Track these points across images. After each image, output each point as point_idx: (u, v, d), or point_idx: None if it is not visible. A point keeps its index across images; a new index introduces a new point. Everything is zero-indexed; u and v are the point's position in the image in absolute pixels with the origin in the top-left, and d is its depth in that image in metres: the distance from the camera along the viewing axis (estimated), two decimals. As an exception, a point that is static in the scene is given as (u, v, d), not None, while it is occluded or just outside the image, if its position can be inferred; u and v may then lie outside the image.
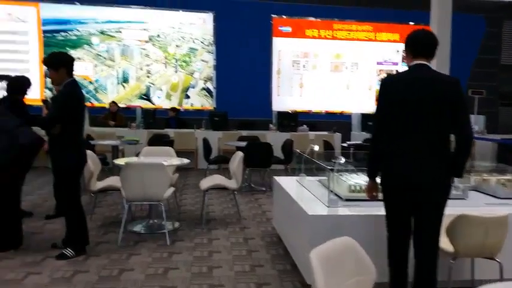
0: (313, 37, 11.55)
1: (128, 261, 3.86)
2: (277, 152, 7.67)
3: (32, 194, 6.30)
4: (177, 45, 11.16)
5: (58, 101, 3.88)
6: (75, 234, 3.93)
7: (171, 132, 9.14)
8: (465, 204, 3.58)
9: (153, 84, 11.15)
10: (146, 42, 11.06)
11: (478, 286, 1.71)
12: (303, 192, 4.06)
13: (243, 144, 7.17)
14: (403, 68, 11.82)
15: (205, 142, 7.64)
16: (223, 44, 11.19)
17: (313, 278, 1.63)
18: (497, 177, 4.15)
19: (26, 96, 4.96)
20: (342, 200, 3.56)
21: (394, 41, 11.95)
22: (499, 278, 2.90)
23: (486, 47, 12.90)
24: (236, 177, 5.05)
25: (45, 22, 10.65)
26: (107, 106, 10.06)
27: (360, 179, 3.93)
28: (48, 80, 9.37)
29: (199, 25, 11.20)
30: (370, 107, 11.70)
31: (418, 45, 2.70)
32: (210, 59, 11.30)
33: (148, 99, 11.14)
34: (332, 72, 11.71)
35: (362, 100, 11.82)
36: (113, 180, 4.98)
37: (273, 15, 11.31)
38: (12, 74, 9.89)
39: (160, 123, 9.59)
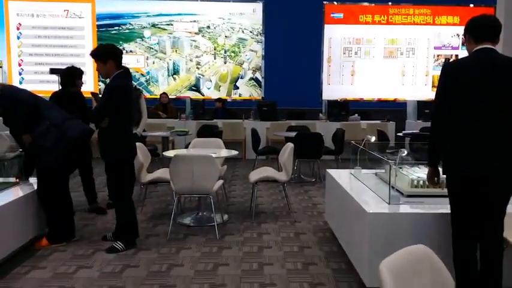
0: (367, 23, 11.04)
1: (177, 256, 3.79)
2: (328, 143, 7.40)
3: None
4: (226, 36, 11.07)
5: (105, 93, 3.85)
6: (125, 227, 3.91)
7: (219, 122, 9.09)
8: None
9: (202, 75, 11.15)
10: (196, 34, 11.05)
11: None
12: (358, 186, 3.81)
13: (293, 134, 6.95)
14: (463, 52, 11.09)
15: (254, 132, 7.49)
16: (272, 33, 10.96)
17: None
18: None
19: (80, 87, 4.99)
20: (402, 195, 3.28)
21: (454, 25, 11.19)
22: None
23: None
24: (286, 169, 4.86)
25: (100, 17, 10.90)
26: (158, 97, 10.17)
27: (422, 172, 3.62)
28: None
29: (249, 15, 11.04)
30: (427, 94, 11.11)
31: (482, 29, 2.54)
32: (259, 48, 11.12)
33: (198, 90, 11.16)
34: (386, 58, 11.17)
35: (418, 87, 11.21)
36: (162, 172, 4.95)
37: (324, 2, 10.92)
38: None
39: (209, 114, 9.57)
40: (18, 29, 10.71)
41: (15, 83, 10.58)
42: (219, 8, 11.02)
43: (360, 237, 3.17)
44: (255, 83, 11.22)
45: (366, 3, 11.07)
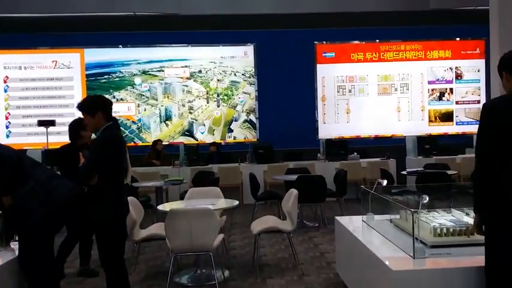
0: (359, 60, 11.01)
1: (175, 324, 3.38)
2: (329, 183, 7.05)
3: None
4: (218, 80, 10.96)
5: (94, 148, 3.53)
6: (117, 293, 3.50)
7: (215, 167, 8.78)
8: None
9: (195, 120, 10.93)
10: (188, 78, 10.93)
11: None
12: (374, 236, 3.47)
13: (293, 178, 6.64)
14: (457, 85, 11.06)
15: (252, 178, 7.18)
16: (265, 75, 10.89)
17: None
18: None
19: (86, 139, 4.68)
20: (426, 246, 2.94)
21: (446, 58, 11.20)
22: None
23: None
24: (291, 218, 4.51)
25: (89, 66, 10.77)
26: (151, 145, 9.89)
27: (442, 218, 3.31)
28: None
29: (240, 58, 10.98)
30: (425, 129, 10.96)
31: None
32: (252, 90, 10.99)
33: (192, 135, 10.91)
34: (380, 95, 11.06)
35: (414, 122, 11.07)
36: (157, 228, 4.58)
37: (315, 42, 10.93)
38: (57, 120, 10.15)
39: (204, 159, 9.27)
40: (5, 82, 10.50)
41: (2, 136, 10.27)
42: (210, 52, 10.96)
43: (383, 297, 2.80)
44: (249, 125, 11.01)
45: (356, 42, 11.08)
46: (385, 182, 3.85)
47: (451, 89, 11.17)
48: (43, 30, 10.40)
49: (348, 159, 9.06)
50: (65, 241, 4.55)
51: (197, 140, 10.82)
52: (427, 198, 2.96)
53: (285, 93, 10.77)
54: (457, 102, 11.11)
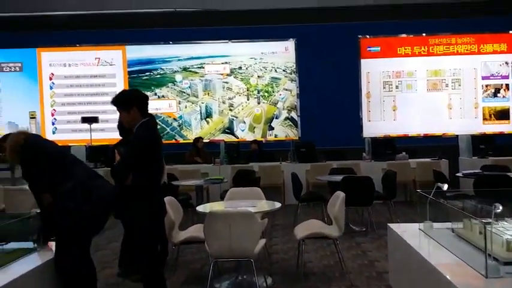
0: (406, 55, 10.48)
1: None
2: (376, 185, 6.63)
3: (104, 248, 5.78)
4: (259, 76, 10.74)
5: (129, 146, 3.34)
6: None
7: (256, 166, 8.54)
8: None
9: (236, 117, 10.76)
10: (228, 75, 10.78)
11: None
12: (433, 247, 3.10)
13: (338, 178, 6.29)
14: (514, 81, 10.32)
15: (294, 178, 6.88)
16: (306, 71, 10.55)
17: None
18: None
19: None
20: (499, 263, 2.56)
21: (501, 52, 10.48)
22: None
23: None
24: (338, 222, 4.20)
25: (131, 63, 10.82)
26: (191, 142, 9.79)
27: (516, 230, 2.90)
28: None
29: (281, 53, 10.71)
30: (478, 128, 10.28)
31: None
32: (293, 87, 10.70)
33: (232, 133, 10.75)
34: (430, 91, 10.49)
35: (467, 120, 10.42)
36: (196, 230, 4.38)
37: (359, 36, 10.48)
38: (100, 117, 10.23)
39: (244, 157, 9.06)
40: (50, 79, 10.74)
41: (48, 133, 10.50)
42: (251, 48, 10.75)
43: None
44: (290, 123, 10.73)
45: (403, 35, 10.55)
46: (445, 186, 3.46)
47: (507, 85, 10.46)
48: (86, 28, 10.51)
49: (395, 159, 8.57)
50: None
51: (238, 138, 10.66)
52: (501, 208, 2.57)
53: (328, 90, 10.36)
54: (514, 99, 10.39)
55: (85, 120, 9.62)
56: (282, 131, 10.72)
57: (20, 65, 10.78)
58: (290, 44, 10.66)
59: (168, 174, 7.14)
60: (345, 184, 5.88)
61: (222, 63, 10.79)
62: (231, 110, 10.76)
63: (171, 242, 4.26)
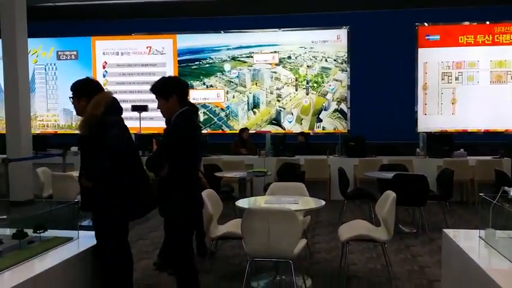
0: (468, 44, 9.74)
1: None
2: (430, 183, 6.18)
3: (145, 237, 5.70)
4: (308, 66, 10.41)
5: (166, 136, 3.21)
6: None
7: (302, 159, 8.28)
8: None
9: (283, 108, 10.52)
10: (277, 65, 10.54)
11: None
12: (496, 259, 2.75)
13: (389, 176, 5.92)
14: None
15: (341, 173, 6.56)
16: (359, 61, 10.08)
17: None
18: None
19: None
20: None
21: None
22: None
23: None
24: (387, 225, 3.89)
25: (181, 52, 10.84)
26: (237, 132, 9.68)
27: None
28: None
29: (333, 42, 10.30)
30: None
31: None
32: (344, 78, 10.27)
33: (279, 124, 10.53)
34: (493, 83, 9.71)
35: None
36: (235, 225, 4.21)
37: (417, 24, 9.85)
38: (150, 105, 10.32)
39: (290, 150, 8.82)
40: (104, 67, 10.99)
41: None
42: (301, 36, 10.43)
43: None
44: (339, 115, 10.34)
45: (466, 23, 9.80)
46: (512, 192, 3.06)
47: None
48: (138, 16, 10.63)
49: (452, 156, 8.00)
50: None
51: (284, 129, 10.43)
52: None
53: (381, 81, 9.86)
54: None
55: (135, 108, 9.75)
56: (330, 124, 10.36)
57: (75, 53, 11.11)
58: (342, 32, 10.22)
59: (212, 165, 7.09)
60: (396, 182, 5.53)
61: (271, 53, 10.56)
62: (278, 100, 10.53)
63: (208, 236, 4.13)
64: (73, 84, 3.34)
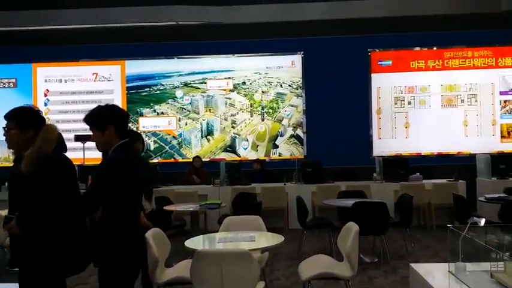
0: (419, 69, 9.92)
1: None
2: (389, 209, 6.00)
3: (85, 282, 5.00)
4: (263, 92, 10.22)
5: (99, 173, 2.76)
6: None
7: (258, 187, 7.96)
8: None
9: (238, 134, 10.21)
10: (231, 91, 10.28)
11: None
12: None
13: (349, 203, 5.68)
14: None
15: (300, 202, 6.27)
16: (314, 86, 10.02)
17: None
18: None
19: (140, 151, 4.18)
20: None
21: (521, 66, 9.88)
22: None
23: None
24: (350, 260, 3.59)
25: (130, 78, 10.37)
26: (191, 161, 9.25)
27: None
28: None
29: (287, 68, 10.20)
30: (496, 146, 9.65)
31: None
32: (300, 103, 10.15)
33: (234, 151, 10.19)
34: (444, 107, 9.90)
35: (484, 138, 9.78)
36: (186, 267, 3.76)
37: (369, 50, 9.96)
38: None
39: (246, 178, 8.48)
40: (45, 95, 10.30)
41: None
42: (255, 62, 10.27)
43: None
44: (296, 141, 10.16)
45: (416, 48, 10.01)
46: (483, 222, 2.86)
47: (528, 101, 9.83)
48: (84, 42, 10.10)
49: (408, 180, 7.95)
50: None
51: (239, 157, 10.10)
52: None
53: (336, 106, 9.79)
54: (535, 116, 9.75)
55: (78, 138, 9.10)
56: (286, 150, 10.14)
57: (14, 80, 10.37)
58: (297, 58, 10.16)
59: (163, 198, 6.61)
60: (356, 210, 5.29)
61: (225, 78, 10.31)
62: (233, 127, 10.22)
63: (154, 282, 3.66)
64: (14, 111, 2.82)
